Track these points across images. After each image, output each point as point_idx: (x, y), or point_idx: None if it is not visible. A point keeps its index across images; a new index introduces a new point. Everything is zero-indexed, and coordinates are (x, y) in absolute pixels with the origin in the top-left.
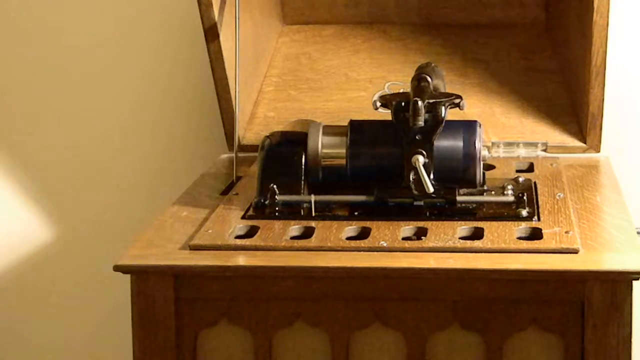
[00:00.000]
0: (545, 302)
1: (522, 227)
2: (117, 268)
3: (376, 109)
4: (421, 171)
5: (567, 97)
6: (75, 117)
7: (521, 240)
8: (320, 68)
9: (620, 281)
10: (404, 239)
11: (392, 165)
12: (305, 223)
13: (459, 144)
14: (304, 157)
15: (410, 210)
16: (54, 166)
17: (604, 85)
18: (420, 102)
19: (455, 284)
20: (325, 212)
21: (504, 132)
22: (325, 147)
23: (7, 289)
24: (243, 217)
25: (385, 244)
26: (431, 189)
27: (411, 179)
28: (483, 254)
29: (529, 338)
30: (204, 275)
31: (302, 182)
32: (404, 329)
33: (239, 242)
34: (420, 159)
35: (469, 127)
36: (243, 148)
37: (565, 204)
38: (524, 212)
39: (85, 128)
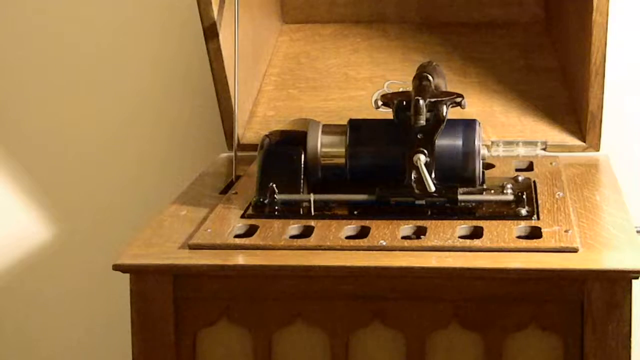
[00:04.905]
0: (544, 301)
1: (522, 226)
2: (116, 267)
3: (377, 108)
4: (423, 170)
5: (567, 96)
6: (75, 117)
7: (520, 239)
8: (320, 67)
9: (619, 280)
10: (403, 238)
11: (391, 164)
12: (304, 222)
13: (458, 142)
14: (303, 156)
15: (410, 209)
16: (54, 166)
17: (603, 83)
18: (421, 101)
19: (454, 283)
20: (325, 211)
21: (503, 131)
22: (325, 146)
23: (7, 288)
24: (242, 216)
25: (384, 243)
26: (433, 188)
27: (413, 178)
28: (482, 253)
29: (528, 337)
30: (203, 274)
31: (302, 181)
32: (404, 328)
33: (238, 241)
34: (422, 158)
35: (468, 126)
36: (242, 147)
37: (565, 202)
38: (524, 211)
39: (85, 128)
